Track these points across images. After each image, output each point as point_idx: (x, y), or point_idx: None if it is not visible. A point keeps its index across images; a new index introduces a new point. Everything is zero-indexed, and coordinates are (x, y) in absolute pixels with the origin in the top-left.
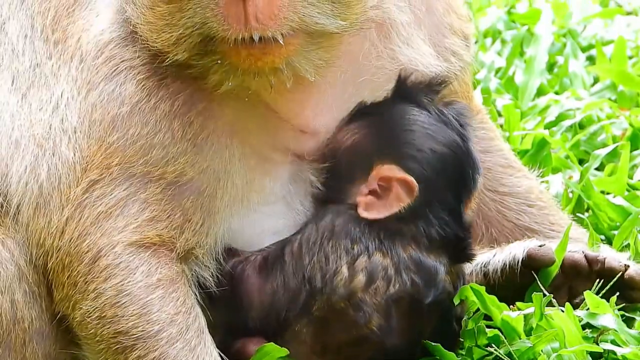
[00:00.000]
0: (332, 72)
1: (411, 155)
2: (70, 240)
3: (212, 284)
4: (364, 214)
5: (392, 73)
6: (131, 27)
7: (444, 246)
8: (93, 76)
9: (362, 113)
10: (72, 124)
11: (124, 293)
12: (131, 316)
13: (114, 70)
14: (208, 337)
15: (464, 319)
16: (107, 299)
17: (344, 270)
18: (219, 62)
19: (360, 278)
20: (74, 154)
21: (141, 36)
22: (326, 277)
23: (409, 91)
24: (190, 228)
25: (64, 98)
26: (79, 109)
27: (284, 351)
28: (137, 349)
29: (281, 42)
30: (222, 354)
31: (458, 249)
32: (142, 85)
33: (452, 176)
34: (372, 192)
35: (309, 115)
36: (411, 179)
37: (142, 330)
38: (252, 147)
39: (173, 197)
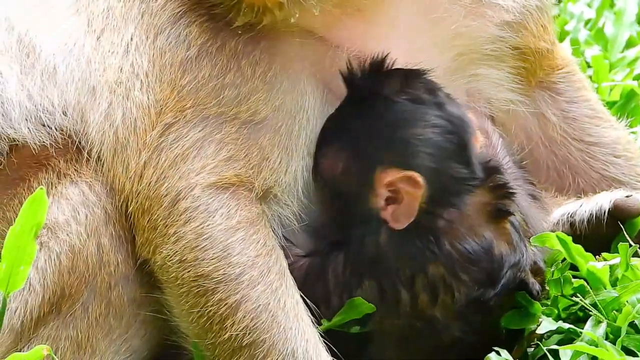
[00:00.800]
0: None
1: (401, 151)
2: (148, 185)
3: (295, 223)
4: (396, 225)
5: (468, 8)
6: None
7: (480, 211)
8: (158, 20)
9: (330, 134)
10: (143, 68)
11: (204, 236)
12: (212, 259)
13: (177, 13)
14: (290, 279)
15: (550, 268)
16: (187, 242)
17: (405, 295)
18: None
19: (423, 297)
20: (147, 98)
21: None
22: (388, 302)
23: (365, 87)
24: (268, 167)
25: (134, 42)
26: (148, 53)
27: (371, 307)
28: (218, 292)
29: None
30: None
31: (496, 191)
32: (206, 27)
33: (449, 148)
34: (388, 202)
35: (373, 44)
36: (410, 172)
37: (223, 274)
38: (322, 81)
39: (249, 136)
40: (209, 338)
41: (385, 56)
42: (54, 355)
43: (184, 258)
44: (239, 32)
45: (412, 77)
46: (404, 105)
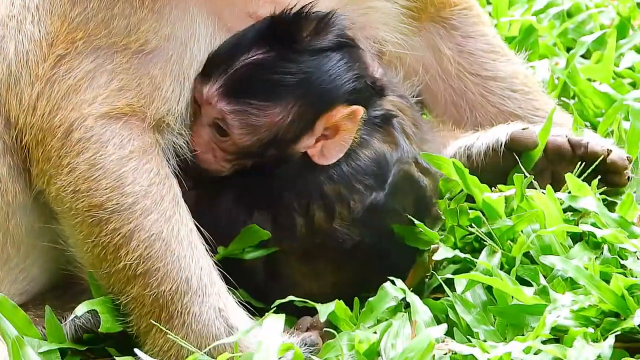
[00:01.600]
0: None
1: (346, 91)
2: (42, 116)
3: (188, 152)
4: (322, 161)
5: None
6: None
7: (370, 123)
8: None
9: (280, 85)
10: (34, 1)
11: (97, 167)
12: (104, 189)
13: None
14: (183, 207)
15: (445, 198)
16: (80, 173)
17: (300, 221)
18: None
19: (319, 216)
20: (39, 31)
21: None
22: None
23: (293, 37)
24: (160, 96)
25: None
26: None
27: (266, 234)
28: (111, 221)
29: None
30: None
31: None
32: None
33: (366, 85)
34: (318, 139)
35: None
36: (356, 107)
37: (116, 203)
38: (212, 9)
39: (140, 66)
40: (103, 267)
41: (310, 6)
42: None
43: (78, 188)
44: None
45: (331, 21)
46: (335, 52)
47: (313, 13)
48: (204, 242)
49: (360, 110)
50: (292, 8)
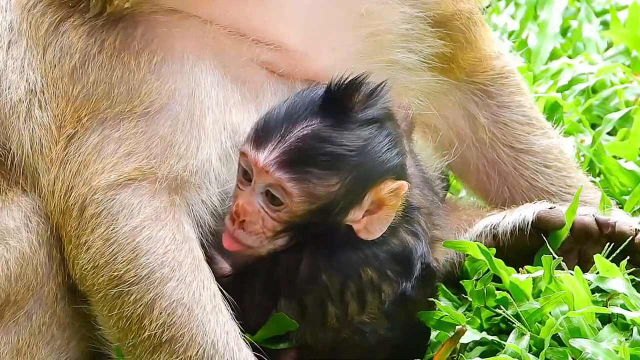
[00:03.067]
0: None
1: (395, 166)
2: (59, 199)
3: (219, 208)
4: (366, 236)
5: None
6: None
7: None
8: (42, 31)
9: (338, 156)
10: (37, 84)
11: (111, 241)
12: (121, 263)
13: (55, 21)
14: (205, 271)
15: (472, 280)
16: (96, 249)
17: (332, 309)
18: None
19: (353, 307)
20: (47, 115)
21: None
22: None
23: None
24: (173, 153)
25: (26, 58)
26: (40, 68)
27: (294, 324)
28: (132, 293)
29: None
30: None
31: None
32: (82, 30)
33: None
34: (365, 214)
35: (275, 26)
36: (402, 182)
37: (134, 275)
38: (211, 55)
39: (147, 128)
40: (129, 339)
41: (363, 77)
42: None
43: (97, 264)
44: (115, 27)
45: (378, 94)
46: (383, 126)
47: (363, 83)
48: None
49: (405, 185)
50: (344, 78)
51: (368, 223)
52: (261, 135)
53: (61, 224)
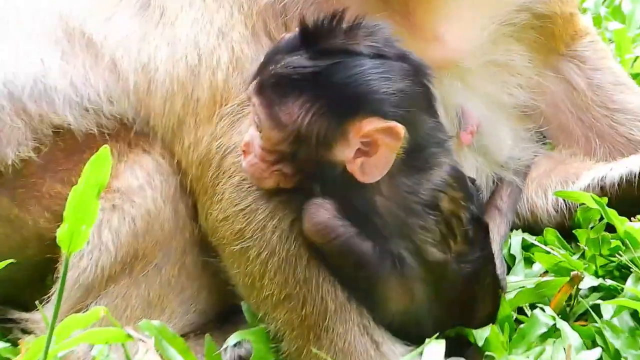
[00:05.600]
0: None
1: (380, 101)
2: (203, 149)
3: None
4: (364, 179)
5: None
6: None
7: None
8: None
9: (293, 81)
10: (205, 49)
11: (241, 190)
12: (245, 215)
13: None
14: None
15: (586, 228)
16: (228, 198)
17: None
18: None
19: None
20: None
21: None
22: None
23: (321, 41)
24: None
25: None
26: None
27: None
28: (251, 248)
29: None
30: None
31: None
32: None
33: (419, 101)
34: (358, 155)
35: (440, 23)
36: (394, 123)
37: (255, 230)
38: None
39: None
40: (253, 296)
41: (343, 11)
42: (111, 318)
43: (227, 215)
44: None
45: (372, 29)
46: (372, 58)
47: (342, 19)
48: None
49: (398, 128)
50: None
51: (364, 164)
52: (257, 68)
53: (199, 175)
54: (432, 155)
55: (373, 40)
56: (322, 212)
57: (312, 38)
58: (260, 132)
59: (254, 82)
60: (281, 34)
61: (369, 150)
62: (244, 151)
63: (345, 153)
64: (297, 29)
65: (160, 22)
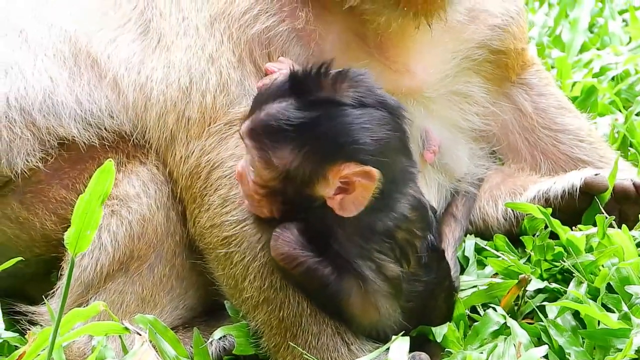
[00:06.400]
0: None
1: (357, 148)
2: (193, 162)
3: None
4: (342, 213)
5: (465, 23)
6: None
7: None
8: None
9: (284, 130)
10: (197, 73)
11: (228, 202)
12: (232, 224)
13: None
14: None
15: (531, 236)
16: (215, 209)
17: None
18: (391, 6)
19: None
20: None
21: None
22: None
23: (316, 90)
24: None
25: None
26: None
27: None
28: (235, 254)
29: None
30: None
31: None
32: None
33: (396, 145)
34: (338, 192)
35: (410, 58)
36: (369, 168)
37: (240, 238)
38: None
39: None
40: (235, 297)
41: (330, 62)
42: (110, 312)
43: (214, 223)
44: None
45: (355, 79)
46: (355, 108)
47: (330, 68)
48: None
49: (374, 172)
50: (313, 64)
51: (342, 201)
52: (249, 109)
53: (188, 185)
54: (400, 190)
55: (356, 90)
56: (284, 242)
57: (300, 87)
58: (252, 169)
59: (246, 123)
60: (265, 62)
61: (348, 189)
62: (236, 177)
63: (326, 191)
64: (286, 74)
65: (157, 47)
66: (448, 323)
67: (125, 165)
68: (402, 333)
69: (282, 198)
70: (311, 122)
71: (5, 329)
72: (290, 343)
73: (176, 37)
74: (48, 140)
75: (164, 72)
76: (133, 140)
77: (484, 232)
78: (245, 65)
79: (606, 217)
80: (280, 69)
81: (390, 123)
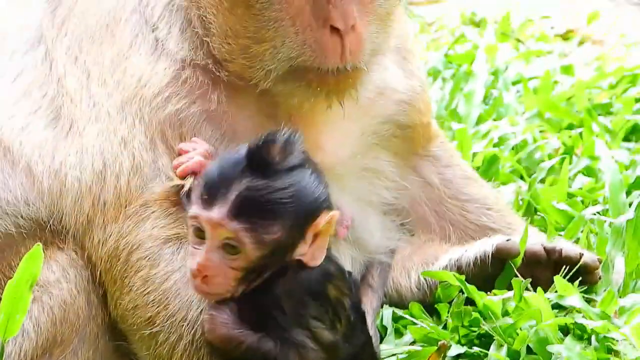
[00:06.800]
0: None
1: (323, 201)
2: (111, 245)
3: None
4: (313, 263)
5: (373, 99)
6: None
7: None
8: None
9: (269, 203)
10: (110, 157)
11: (149, 282)
12: (154, 304)
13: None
14: None
15: (446, 303)
16: (137, 289)
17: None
18: (303, 87)
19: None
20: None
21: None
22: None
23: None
24: None
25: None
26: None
27: None
28: (160, 333)
29: (365, 68)
30: None
31: None
32: None
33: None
34: (310, 246)
35: (321, 136)
36: (332, 213)
37: (164, 317)
38: None
39: None
40: None
41: (280, 131)
42: None
43: (136, 304)
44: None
45: (296, 141)
46: (305, 168)
47: (277, 137)
48: None
49: (336, 214)
50: (260, 137)
51: (312, 252)
52: (206, 197)
53: (108, 267)
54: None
55: (301, 152)
56: (222, 324)
57: (257, 161)
58: (234, 255)
59: (219, 210)
60: (177, 143)
61: (316, 239)
62: (196, 276)
63: (304, 249)
64: (236, 152)
65: (70, 133)
66: None
67: (44, 252)
68: None
69: (257, 274)
70: (285, 190)
71: None
72: None
73: (88, 122)
74: None
75: (77, 158)
76: (50, 227)
77: (398, 303)
78: (158, 146)
79: (523, 281)
80: (195, 149)
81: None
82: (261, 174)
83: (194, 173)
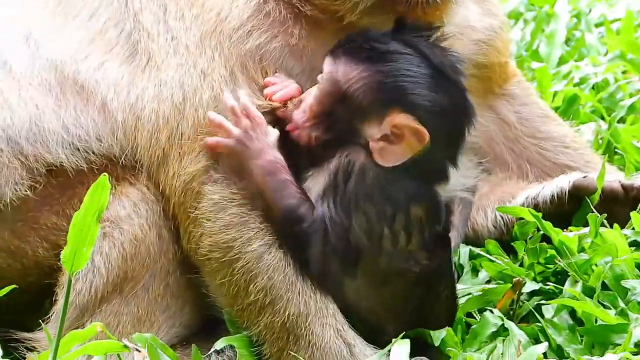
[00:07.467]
0: None
1: (423, 107)
2: (184, 179)
3: None
4: (379, 160)
5: (454, 38)
6: None
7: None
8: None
9: (365, 53)
10: (189, 89)
11: (217, 207)
12: (228, 229)
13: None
14: None
15: (522, 241)
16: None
17: (386, 231)
18: (391, 19)
19: (402, 237)
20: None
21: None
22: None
23: (410, 37)
24: None
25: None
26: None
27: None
28: (239, 260)
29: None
30: None
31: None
32: None
33: (451, 131)
34: (383, 138)
35: None
36: (423, 129)
37: (239, 244)
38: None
39: None
40: (237, 304)
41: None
42: (107, 332)
43: (212, 231)
44: None
45: (448, 53)
46: (438, 73)
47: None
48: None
49: (426, 135)
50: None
51: (384, 148)
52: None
53: (182, 201)
54: (423, 179)
55: (446, 58)
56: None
57: (402, 28)
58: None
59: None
60: (259, 78)
61: (394, 139)
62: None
63: (373, 131)
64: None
65: (147, 67)
66: (447, 327)
67: (115, 188)
68: (401, 336)
69: (329, 124)
70: (392, 55)
71: (2, 357)
72: (291, 352)
73: (166, 56)
74: (36, 168)
75: (155, 91)
76: (122, 162)
77: (474, 242)
78: (238, 78)
79: (598, 216)
80: (284, 83)
81: (462, 114)
82: (394, 37)
83: (292, 99)
